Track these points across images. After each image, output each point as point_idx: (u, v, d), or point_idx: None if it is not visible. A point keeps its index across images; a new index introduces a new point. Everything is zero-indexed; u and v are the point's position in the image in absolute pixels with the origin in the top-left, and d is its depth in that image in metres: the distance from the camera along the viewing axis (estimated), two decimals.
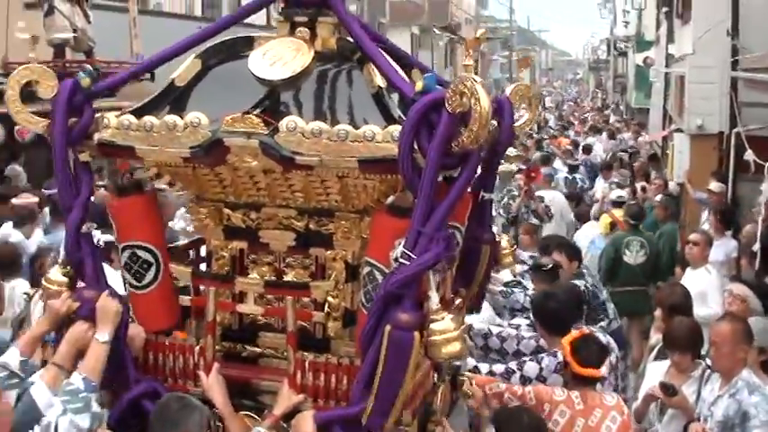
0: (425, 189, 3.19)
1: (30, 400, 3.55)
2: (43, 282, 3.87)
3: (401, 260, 3.23)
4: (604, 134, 26.86)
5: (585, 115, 40.27)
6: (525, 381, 5.05)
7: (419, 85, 3.31)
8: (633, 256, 10.10)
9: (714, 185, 11.71)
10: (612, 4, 51.21)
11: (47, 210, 9.59)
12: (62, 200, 3.73)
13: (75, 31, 13.14)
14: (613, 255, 10.12)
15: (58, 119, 3.62)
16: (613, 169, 17.19)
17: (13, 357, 3.75)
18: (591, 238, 11.29)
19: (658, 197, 12.93)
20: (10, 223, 8.89)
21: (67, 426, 3.40)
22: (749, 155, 10.62)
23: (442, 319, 3.27)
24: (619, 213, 11.38)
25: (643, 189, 14.32)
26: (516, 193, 11.41)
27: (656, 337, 6.23)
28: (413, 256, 3.20)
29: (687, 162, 14.26)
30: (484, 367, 5.11)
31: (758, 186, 9.95)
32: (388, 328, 3.23)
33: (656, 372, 5.65)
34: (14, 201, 9.50)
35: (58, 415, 3.40)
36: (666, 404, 5.24)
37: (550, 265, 6.75)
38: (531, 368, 5.16)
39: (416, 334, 3.21)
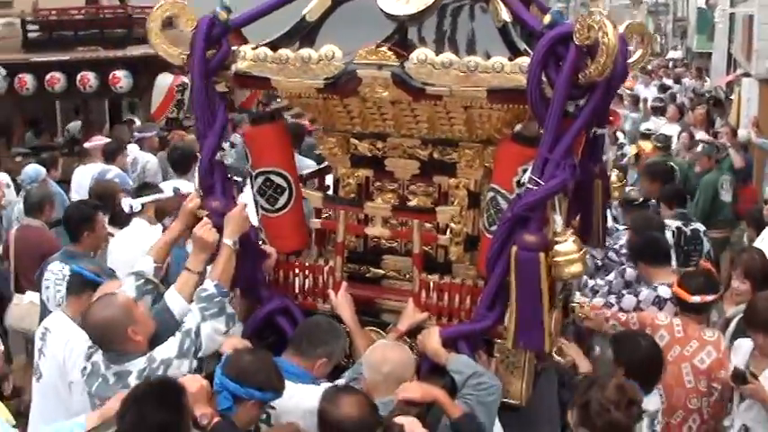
0: (553, 118, 3.37)
1: (163, 305, 3.82)
2: None
3: (528, 185, 3.42)
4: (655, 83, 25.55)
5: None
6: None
7: (547, 19, 3.46)
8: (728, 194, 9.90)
9: None
10: None
11: None
12: (199, 127, 3.97)
13: None
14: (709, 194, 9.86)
15: (197, 51, 3.83)
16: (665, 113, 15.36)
17: (147, 264, 4.02)
18: None
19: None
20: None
21: (210, 331, 3.66)
22: None
23: (566, 241, 3.45)
24: (646, 145, 11.42)
25: (715, 135, 12.72)
26: None
27: (733, 309, 5.41)
28: (540, 181, 3.39)
29: (756, 108, 13.50)
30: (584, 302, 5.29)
31: None
32: (514, 249, 3.44)
33: (739, 351, 4.86)
34: (87, 145, 9.87)
35: (198, 321, 3.66)
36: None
37: (641, 199, 6.86)
38: (628, 301, 5.32)
39: (542, 254, 3.40)
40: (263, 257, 4.03)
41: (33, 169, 8.57)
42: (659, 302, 5.27)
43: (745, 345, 4.79)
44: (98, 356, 3.68)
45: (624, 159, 11.40)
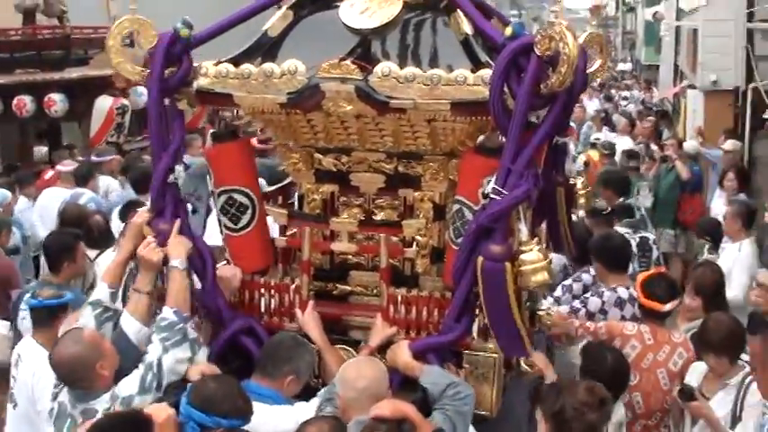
0: (515, 129, 3.39)
1: (119, 331, 3.76)
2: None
3: (492, 196, 3.43)
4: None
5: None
6: (590, 316, 5.27)
7: (508, 30, 3.49)
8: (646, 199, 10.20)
9: (729, 143, 11.00)
10: None
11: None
12: (153, 147, 3.92)
13: None
14: None
15: (155, 68, 3.79)
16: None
17: (102, 292, 3.93)
18: None
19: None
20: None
21: (172, 363, 3.60)
22: None
23: (531, 250, 3.47)
24: (594, 154, 11.81)
25: (661, 148, 12.53)
26: None
27: (684, 326, 5.29)
28: (503, 191, 3.40)
29: (701, 120, 13.73)
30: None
31: None
32: (480, 259, 3.44)
33: (694, 373, 4.75)
34: (60, 167, 9.70)
35: (160, 354, 3.59)
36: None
37: (608, 209, 6.95)
38: (593, 303, 5.38)
39: (507, 264, 3.41)
40: (224, 278, 3.99)
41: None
42: (620, 303, 5.35)
43: (699, 367, 4.74)
44: (64, 396, 3.62)
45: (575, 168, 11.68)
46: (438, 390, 3.49)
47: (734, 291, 6.33)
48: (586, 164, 11.59)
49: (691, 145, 11.76)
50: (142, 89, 12.42)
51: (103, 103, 11.16)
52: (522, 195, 3.41)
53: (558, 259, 5.79)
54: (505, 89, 3.40)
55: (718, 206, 8.92)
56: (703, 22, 14.12)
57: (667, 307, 4.95)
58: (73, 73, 11.45)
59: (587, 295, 5.49)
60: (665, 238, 9.83)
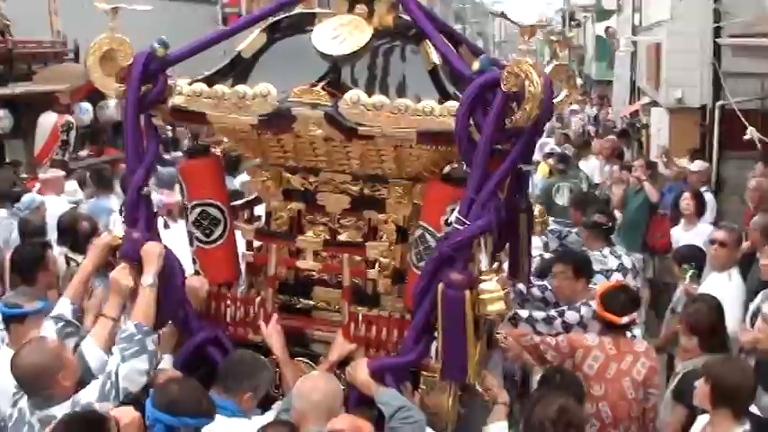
0: (479, 161, 3.51)
1: (79, 354, 3.79)
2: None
3: (455, 225, 3.56)
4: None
5: None
6: (567, 326, 5.41)
7: (476, 65, 3.61)
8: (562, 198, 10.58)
9: (697, 164, 10.35)
10: None
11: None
12: (128, 162, 4.01)
13: None
14: (544, 199, 10.44)
15: (132, 85, 3.88)
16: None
17: (64, 307, 4.03)
18: None
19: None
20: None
21: (128, 371, 3.63)
22: (752, 132, 9.95)
23: (490, 279, 3.60)
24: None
25: (628, 169, 11.19)
26: None
27: (681, 365, 5.05)
28: (466, 222, 3.53)
29: (666, 138, 13.13)
30: (524, 312, 5.49)
31: (745, 165, 9.35)
32: (441, 286, 3.57)
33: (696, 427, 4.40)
34: (42, 176, 9.66)
35: (117, 363, 3.64)
36: None
37: (609, 224, 7.06)
38: (571, 316, 5.49)
39: (467, 292, 3.54)
40: (192, 288, 4.09)
41: (29, 198, 8.49)
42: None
43: (700, 420, 4.39)
44: (23, 402, 3.66)
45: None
46: (390, 411, 3.63)
47: (729, 325, 5.41)
48: (551, 173, 11.96)
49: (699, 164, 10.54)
50: (87, 106, 12.37)
51: (48, 120, 10.89)
52: (483, 227, 3.54)
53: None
54: (471, 121, 3.53)
55: (678, 231, 8.61)
56: (667, 37, 13.70)
57: (624, 320, 5.05)
58: (16, 89, 11.02)
59: (564, 307, 5.55)
60: None
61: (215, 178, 4.17)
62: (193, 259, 4.22)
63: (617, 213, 9.50)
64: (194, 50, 4.02)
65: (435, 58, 3.87)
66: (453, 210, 3.62)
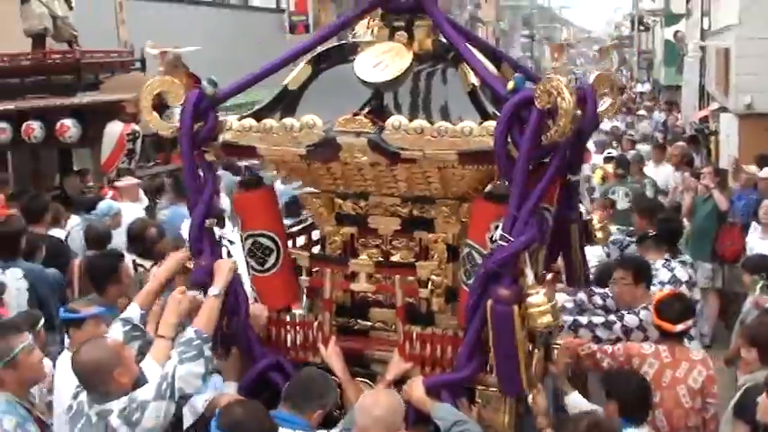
0: (518, 178, 3.60)
1: (141, 372, 3.94)
2: None
3: (499, 242, 3.63)
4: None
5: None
6: (627, 330, 5.44)
7: (510, 85, 3.69)
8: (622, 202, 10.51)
9: (765, 171, 10.06)
10: None
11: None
12: (189, 196, 4.22)
13: (55, 19, 11.78)
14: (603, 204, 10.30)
15: (185, 124, 4.06)
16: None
17: (134, 311, 4.25)
18: None
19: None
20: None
21: (185, 373, 3.78)
22: None
23: (537, 293, 3.67)
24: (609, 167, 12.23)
25: (696, 176, 10.74)
26: None
27: (743, 378, 5.08)
28: (510, 238, 3.60)
29: (735, 145, 12.96)
30: (583, 319, 5.53)
31: None
32: (489, 302, 3.65)
33: None
34: (119, 183, 10.08)
35: (175, 365, 3.80)
36: None
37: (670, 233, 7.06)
38: (630, 319, 5.52)
39: (515, 307, 3.61)
40: (254, 316, 4.24)
41: (106, 204, 8.81)
42: None
43: None
44: (83, 396, 3.84)
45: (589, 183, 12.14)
46: (446, 425, 3.71)
47: None
48: (604, 179, 11.90)
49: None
50: None
51: (114, 129, 11.03)
52: (527, 242, 3.62)
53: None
54: (509, 140, 3.61)
55: (754, 240, 8.48)
56: (736, 41, 13.43)
57: (679, 327, 5.05)
58: (84, 98, 11.16)
59: (624, 312, 5.57)
60: (701, 272, 9.05)
61: (267, 209, 4.32)
62: (252, 287, 4.37)
63: (685, 222, 9.32)
64: (243, 86, 4.18)
65: (473, 79, 3.95)
66: (497, 227, 3.70)
